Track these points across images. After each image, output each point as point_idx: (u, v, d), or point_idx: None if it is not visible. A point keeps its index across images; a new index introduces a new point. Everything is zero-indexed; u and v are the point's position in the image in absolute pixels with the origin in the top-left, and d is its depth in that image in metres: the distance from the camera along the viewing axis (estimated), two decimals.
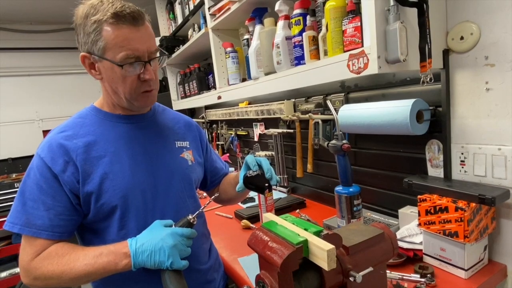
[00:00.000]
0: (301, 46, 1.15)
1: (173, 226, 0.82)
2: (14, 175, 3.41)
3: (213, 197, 0.93)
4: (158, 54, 0.86)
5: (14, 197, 0.83)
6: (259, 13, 1.43)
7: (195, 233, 0.82)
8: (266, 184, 0.93)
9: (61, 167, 0.80)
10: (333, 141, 1.14)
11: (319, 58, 1.12)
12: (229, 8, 1.55)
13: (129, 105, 0.87)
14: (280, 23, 1.25)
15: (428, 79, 0.91)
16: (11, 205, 0.82)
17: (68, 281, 0.77)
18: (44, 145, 0.82)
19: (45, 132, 3.72)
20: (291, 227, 0.66)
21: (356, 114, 1.17)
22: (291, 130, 1.77)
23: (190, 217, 0.82)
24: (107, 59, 0.79)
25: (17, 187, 2.73)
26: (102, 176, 0.82)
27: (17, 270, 2.93)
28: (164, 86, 3.01)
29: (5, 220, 0.81)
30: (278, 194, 1.87)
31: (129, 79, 0.81)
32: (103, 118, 0.90)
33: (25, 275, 0.79)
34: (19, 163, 3.57)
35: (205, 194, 2.22)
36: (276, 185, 0.97)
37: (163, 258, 0.75)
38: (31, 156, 0.84)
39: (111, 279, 0.81)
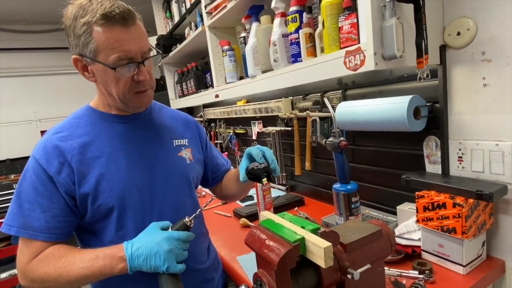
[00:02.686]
0: (298, 44, 1.15)
1: (170, 229, 0.80)
2: (12, 176, 3.41)
3: (209, 200, 0.92)
4: (151, 54, 0.84)
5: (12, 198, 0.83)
6: (255, 11, 1.43)
7: (192, 235, 0.81)
8: (270, 174, 0.90)
9: (56, 169, 0.79)
10: (331, 139, 1.14)
11: (315, 55, 1.11)
12: (225, 6, 1.55)
13: (124, 106, 0.87)
14: (277, 20, 1.24)
15: (425, 75, 0.91)
16: (8, 206, 0.82)
17: (65, 284, 0.76)
18: (39, 147, 0.81)
19: (43, 133, 3.72)
20: (288, 225, 0.66)
21: (353, 111, 1.17)
22: (289, 128, 1.77)
23: (186, 219, 0.81)
24: (99, 62, 0.77)
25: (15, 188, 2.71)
26: (98, 177, 0.82)
27: (16, 271, 2.93)
28: (161, 85, 3.00)
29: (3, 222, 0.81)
30: (276, 192, 1.87)
31: (123, 80, 0.79)
32: (98, 118, 0.89)
33: (22, 277, 0.79)
34: (18, 164, 3.57)
35: (203, 192, 2.21)
36: (277, 176, 0.97)
37: (159, 263, 0.74)
38: (29, 157, 0.83)
39: (109, 280, 0.80)
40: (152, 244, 0.75)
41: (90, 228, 0.86)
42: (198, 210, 0.87)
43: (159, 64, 2.73)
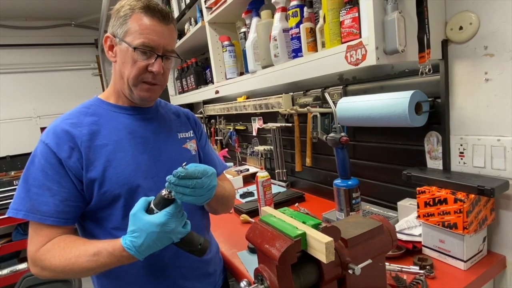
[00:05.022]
0: (299, 38, 1.14)
1: (152, 205, 0.74)
2: (12, 173, 3.41)
3: (185, 163, 0.78)
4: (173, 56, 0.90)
5: (13, 195, 0.82)
6: (256, 6, 1.42)
7: (179, 203, 0.75)
8: None
9: (66, 153, 0.80)
10: (332, 134, 1.13)
11: (316, 50, 1.11)
12: (225, 1, 1.54)
13: (129, 93, 0.89)
14: (277, 15, 1.24)
15: (426, 70, 0.91)
16: (9, 203, 0.81)
17: (73, 275, 0.78)
18: (49, 132, 0.83)
19: (43, 130, 3.71)
20: (289, 220, 0.66)
21: (354, 106, 1.16)
22: (290, 124, 1.76)
23: (164, 192, 0.73)
24: (125, 41, 0.84)
25: (16, 185, 2.72)
26: (105, 163, 0.83)
27: (17, 267, 2.94)
28: None
29: (5, 218, 0.80)
30: (277, 188, 1.87)
31: (138, 64, 0.84)
32: (106, 109, 0.92)
33: (33, 265, 0.80)
34: (18, 161, 3.57)
35: None
36: None
37: (169, 242, 0.75)
38: (30, 154, 0.84)
39: (119, 277, 0.83)
40: (153, 235, 0.72)
41: (93, 216, 0.86)
42: (168, 177, 0.74)
43: (173, 67, 2.73)
